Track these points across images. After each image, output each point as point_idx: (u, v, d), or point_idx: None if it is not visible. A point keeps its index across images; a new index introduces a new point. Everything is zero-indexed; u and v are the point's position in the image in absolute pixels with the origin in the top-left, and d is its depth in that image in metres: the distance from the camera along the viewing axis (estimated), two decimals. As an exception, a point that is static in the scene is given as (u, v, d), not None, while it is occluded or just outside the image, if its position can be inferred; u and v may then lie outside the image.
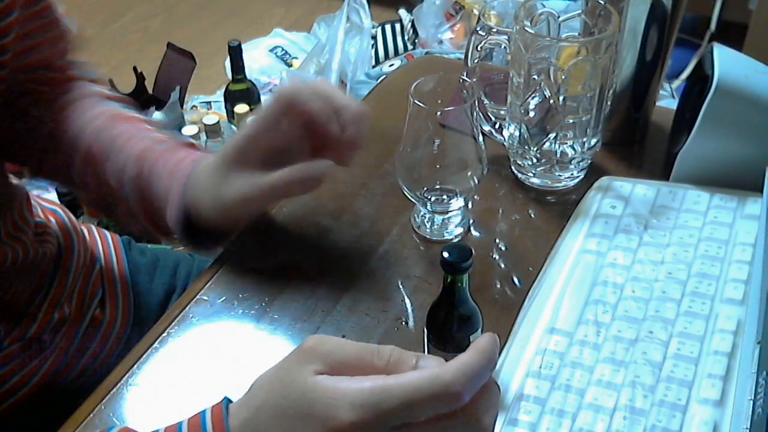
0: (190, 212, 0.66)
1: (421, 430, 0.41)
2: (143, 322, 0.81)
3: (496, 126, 0.75)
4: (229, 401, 0.45)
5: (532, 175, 0.73)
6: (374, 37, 2.15)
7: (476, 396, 0.42)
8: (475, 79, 0.73)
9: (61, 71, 0.75)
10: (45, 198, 0.84)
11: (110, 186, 0.69)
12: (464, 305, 0.52)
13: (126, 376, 0.59)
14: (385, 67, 2.00)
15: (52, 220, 0.79)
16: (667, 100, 1.62)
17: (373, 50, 2.12)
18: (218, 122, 1.68)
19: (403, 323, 0.62)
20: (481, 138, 0.64)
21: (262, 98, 2.01)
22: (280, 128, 0.63)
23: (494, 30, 0.71)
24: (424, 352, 0.55)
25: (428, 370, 0.41)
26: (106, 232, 0.86)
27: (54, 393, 0.74)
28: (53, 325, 0.73)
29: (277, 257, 0.68)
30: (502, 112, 0.74)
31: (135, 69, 1.78)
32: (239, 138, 0.65)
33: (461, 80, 0.69)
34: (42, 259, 0.73)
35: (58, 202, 0.86)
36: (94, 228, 0.86)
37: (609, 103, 0.71)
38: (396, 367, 0.42)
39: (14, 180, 0.75)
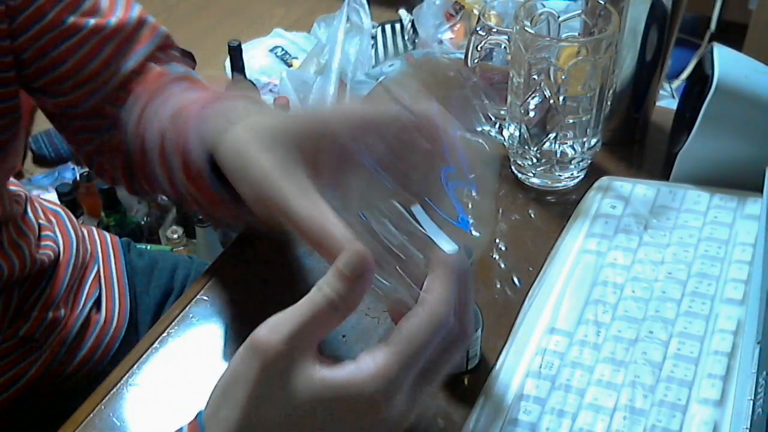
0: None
1: (432, 366, 0.42)
2: (138, 324, 0.81)
3: (497, 126, 0.75)
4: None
5: (532, 175, 0.73)
6: (374, 37, 2.15)
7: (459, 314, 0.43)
8: (475, 79, 0.73)
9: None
10: (46, 198, 0.84)
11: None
12: (464, 305, 0.51)
13: (126, 376, 0.59)
14: (385, 67, 2.00)
15: (53, 221, 0.79)
16: (667, 100, 1.62)
17: (373, 50, 2.12)
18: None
19: (403, 323, 0.61)
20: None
21: (262, 98, 2.01)
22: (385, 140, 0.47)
23: (494, 30, 0.71)
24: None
25: (418, 317, 0.41)
26: (106, 233, 0.86)
27: (46, 392, 0.74)
28: (46, 325, 0.73)
29: (278, 256, 0.68)
30: (503, 112, 0.74)
31: (135, 69, 1.78)
32: (320, 122, 0.49)
33: (461, 77, 0.69)
34: (40, 267, 0.73)
35: (59, 203, 0.85)
36: (94, 230, 0.86)
37: (609, 103, 0.71)
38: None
39: (16, 184, 0.75)
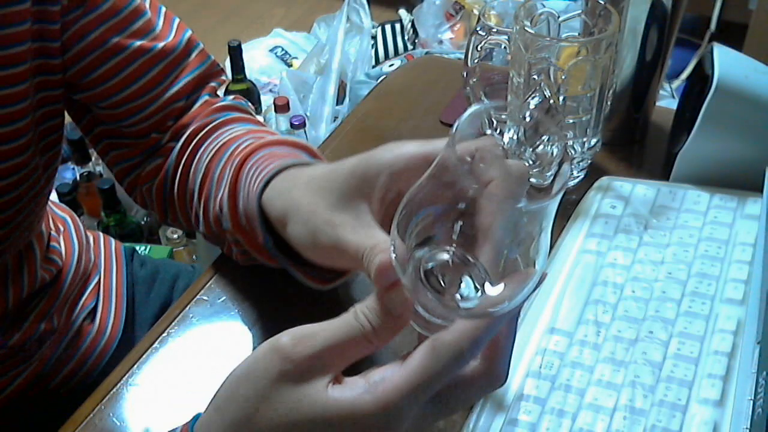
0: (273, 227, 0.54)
1: (448, 394, 0.41)
2: (134, 334, 0.80)
3: (497, 131, 0.75)
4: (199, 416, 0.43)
5: (529, 174, 0.72)
6: (374, 37, 2.15)
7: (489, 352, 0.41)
8: (475, 79, 0.73)
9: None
10: (55, 202, 0.83)
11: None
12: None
13: (126, 376, 0.59)
14: (385, 67, 2.00)
15: (61, 228, 0.78)
16: (667, 100, 1.62)
17: (373, 50, 2.12)
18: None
19: (403, 323, 0.61)
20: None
21: (262, 98, 2.01)
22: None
23: (494, 30, 0.71)
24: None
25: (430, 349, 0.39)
26: (112, 240, 0.85)
27: (33, 403, 0.73)
28: (38, 336, 0.72)
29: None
30: (503, 116, 0.73)
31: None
32: (375, 164, 0.49)
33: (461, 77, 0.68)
34: (40, 284, 0.72)
35: (67, 207, 0.84)
36: (101, 236, 0.85)
37: (609, 103, 0.71)
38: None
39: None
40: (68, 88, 0.66)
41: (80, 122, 0.71)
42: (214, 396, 0.42)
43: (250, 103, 0.73)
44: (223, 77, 0.72)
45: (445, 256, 0.40)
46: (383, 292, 0.40)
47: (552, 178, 0.44)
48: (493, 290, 0.39)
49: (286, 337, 0.39)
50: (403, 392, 0.38)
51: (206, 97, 0.69)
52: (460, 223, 0.40)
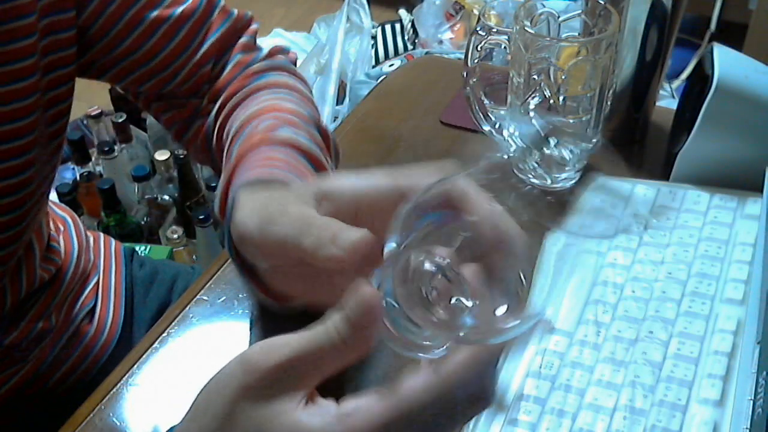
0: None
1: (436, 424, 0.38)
2: (132, 335, 0.80)
3: (497, 126, 0.75)
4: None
5: (531, 176, 0.73)
6: (374, 37, 2.15)
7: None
8: (475, 79, 0.73)
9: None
10: (55, 202, 0.83)
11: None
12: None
13: (126, 376, 0.59)
14: (385, 67, 2.00)
15: (61, 228, 0.78)
16: (667, 100, 1.62)
17: (373, 50, 2.12)
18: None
19: (403, 323, 0.61)
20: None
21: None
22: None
23: (494, 30, 0.71)
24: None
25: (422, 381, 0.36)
26: (112, 240, 0.85)
27: (34, 398, 0.73)
28: (35, 335, 0.71)
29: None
30: (502, 112, 0.74)
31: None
32: (338, 183, 0.46)
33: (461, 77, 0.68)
34: (39, 283, 0.72)
35: (67, 207, 0.84)
36: (101, 236, 0.85)
37: (609, 103, 0.71)
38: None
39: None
40: (103, 68, 0.66)
41: (127, 92, 0.72)
42: (191, 407, 0.40)
43: (289, 54, 0.72)
44: (254, 26, 0.70)
45: (433, 267, 0.37)
46: (347, 300, 0.37)
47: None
48: (486, 316, 0.37)
49: (256, 347, 0.37)
50: (379, 422, 0.35)
51: (239, 57, 0.68)
52: (464, 234, 0.38)
